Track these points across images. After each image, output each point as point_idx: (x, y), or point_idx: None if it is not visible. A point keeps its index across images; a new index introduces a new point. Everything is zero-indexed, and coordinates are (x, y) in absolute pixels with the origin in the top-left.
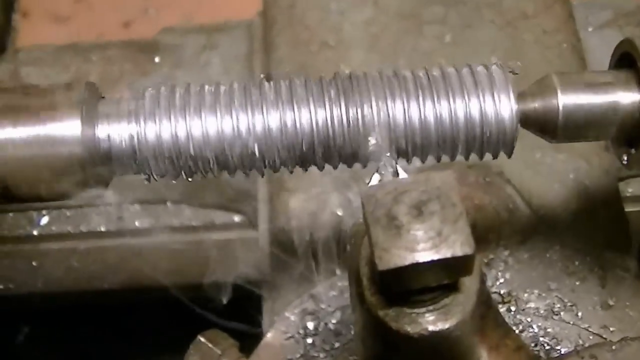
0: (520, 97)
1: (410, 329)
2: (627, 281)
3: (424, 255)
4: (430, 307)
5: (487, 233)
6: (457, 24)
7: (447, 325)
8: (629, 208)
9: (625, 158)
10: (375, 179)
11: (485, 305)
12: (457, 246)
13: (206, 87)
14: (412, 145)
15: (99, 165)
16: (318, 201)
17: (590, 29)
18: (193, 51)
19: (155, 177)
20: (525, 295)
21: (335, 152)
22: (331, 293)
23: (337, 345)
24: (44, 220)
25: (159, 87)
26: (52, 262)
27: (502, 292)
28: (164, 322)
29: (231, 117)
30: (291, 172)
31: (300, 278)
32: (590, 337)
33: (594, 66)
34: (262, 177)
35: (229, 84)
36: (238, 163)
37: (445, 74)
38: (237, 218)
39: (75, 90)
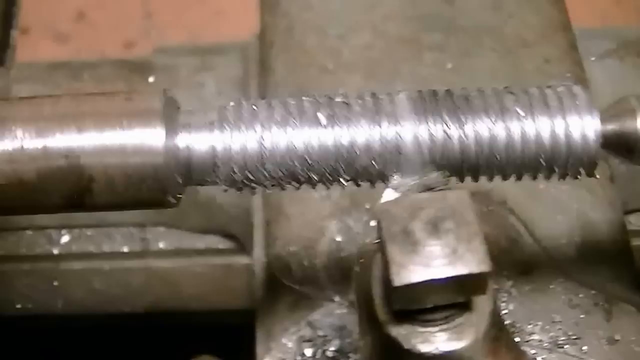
0: (600, 118)
1: (422, 348)
2: (634, 316)
3: (440, 271)
4: (444, 327)
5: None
6: (457, 51)
7: (459, 346)
8: (634, 242)
9: None
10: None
11: (498, 327)
12: (473, 264)
13: (289, 100)
14: (491, 164)
15: (178, 176)
16: (316, 227)
17: (592, 59)
18: (187, 72)
19: (236, 188)
20: (529, 327)
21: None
22: (329, 320)
23: None
24: (64, 239)
25: (240, 100)
26: (73, 282)
27: (505, 323)
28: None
29: (317, 130)
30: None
31: (297, 304)
32: None
33: (596, 96)
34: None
35: (312, 96)
36: (320, 177)
37: (528, 93)
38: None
39: (157, 98)
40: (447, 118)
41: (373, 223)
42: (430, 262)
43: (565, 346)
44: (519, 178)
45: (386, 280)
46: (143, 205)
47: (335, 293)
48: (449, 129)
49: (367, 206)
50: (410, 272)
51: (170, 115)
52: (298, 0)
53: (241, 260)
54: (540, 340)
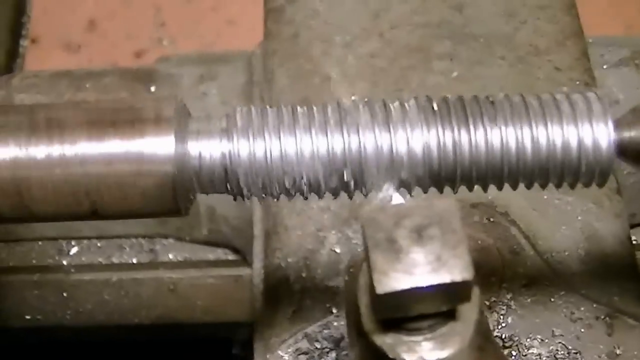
0: (615, 125)
1: (407, 357)
2: (636, 330)
3: (423, 279)
4: (428, 336)
5: (489, 275)
6: (466, 60)
7: (444, 355)
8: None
9: None
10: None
11: (484, 337)
12: (456, 272)
13: (299, 108)
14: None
15: (188, 184)
16: (316, 238)
17: (605, 67)
18: (190, 81)
19: (244, 196)
20: (528, 340)
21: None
22: (326, 332)
23: None
24: (74, 250)
25: (249, 107)
26: (82, 293)
27: (503, 336)
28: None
29: (326, 138)
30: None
31: (295, 316)
32: None
33: (610, 104)
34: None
35: (322, 105)
36: (330, 186)
37: (541, 99)
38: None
39: (167, 105)
40: (456, 125)
41: None
42: (414, 270)
43: None
44: (528, 186)
45: (370, 288)
46: (153, 214)
47: (334, 305)
48: (459, 135)
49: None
50: (393, 280)
51: (181, 123)
52: (304, 8)
53: (245, 272)
54: (539, 355)
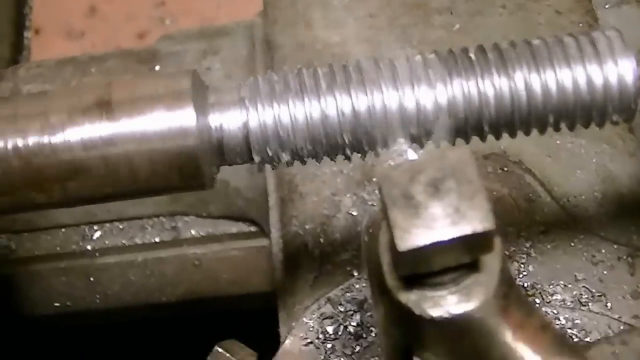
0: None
1: (433, 312)
2: None
3: (444, 233)
4: (453, 289)
5: (507, 225)
6: (466, 12)
7: (470, 307)
8: None
9: None
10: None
11: (508, 285)
12: (476, 222)
13: (305, 70)
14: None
15: (211, 155)
16: (332, 203)
17: (607, 6)
18: (193, 57)
19: (271, 164)
20: (550, 287)
21: None
22: (348, 295)
23: (357, 349)
24: (97, 234)
25: (265, 75)
26: (109, 276)
27: (525, 284)
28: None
29: (350, 98)
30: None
31: (317, 282)
32: (621, 327)
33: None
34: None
35: (329, 65)
36: (352, 145)
37: (562, 41)
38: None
39: (184, 79)
40: (479, 73)
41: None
42: (433, 224)
43: (589, 304)
44: (556, 129)
45: (392, 246)
46: (180, 188)
47: (354, 267)
48: (483, 83)
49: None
50: (414, 236)
51: (200, 95)
52: None
53: (264, 242)
54: (563, 300)
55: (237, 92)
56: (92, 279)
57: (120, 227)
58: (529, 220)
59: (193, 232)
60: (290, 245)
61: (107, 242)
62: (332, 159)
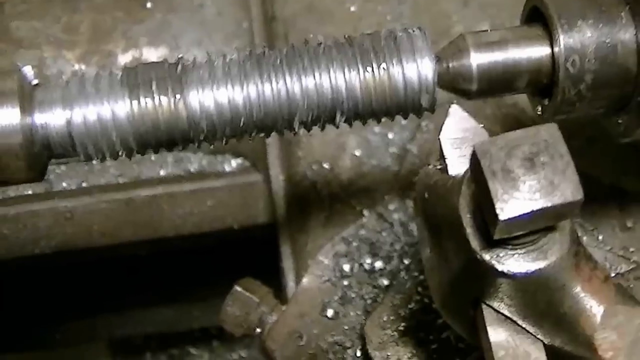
0: (437, 58)
1: (514, 269)
2: None
3: (541, 203)
4: (531, 247)
5: None
6: None
7: (548, 263)
8: None
9: (540, 109)
10: (450, 123)
11: (577, 243)
12: (568, 193)
13: (121, 70)
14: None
15: (38, 152)
16: (337, 144)
17: None
18: None
19: (92, 159)
20: None
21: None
22: (362, 233)
23: (375, 284)
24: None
25: (85, 73)
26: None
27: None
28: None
29: (167, 97)
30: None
31: (328, 221)
32: (615, 259)
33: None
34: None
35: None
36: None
37: (368, 39)
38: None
39: (10, 79)
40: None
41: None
42: (532, 196)
43: (584, 237)
44: (364, 122)
45: (485, 213)
46: (11, 181)
47: (364, 207)
48: (291, 82)
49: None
50: (514, 207)
51: (27, 94)
52: None
53: (256, 177)
54: None
55: (62, 90)
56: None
57: None
58: None
59: (64, 184)
60: (299, 185)
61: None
62: (155, 152)
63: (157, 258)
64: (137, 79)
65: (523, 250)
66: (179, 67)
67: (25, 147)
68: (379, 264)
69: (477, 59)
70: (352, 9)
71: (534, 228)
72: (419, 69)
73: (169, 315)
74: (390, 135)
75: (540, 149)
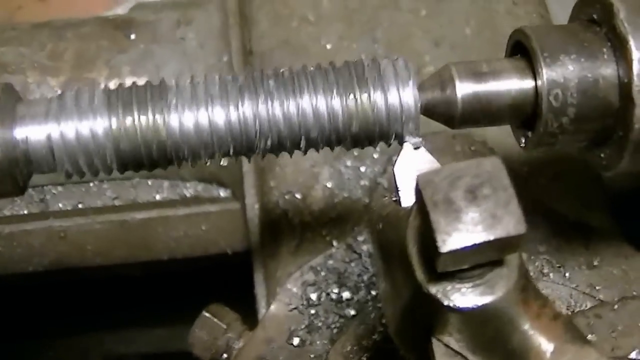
0: (421, 87)
1: (460, 303)
2: (609, 241)
3: (483, 236)
4: (478, 282)
5: None
6: None
7: (493, 298)
8: None
9: (523, 141)
10: (405, 156)
11: (525, 278)
12: (511, 226)
13: (110, 85)
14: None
15: (18, 166)
16: (309, 175)
17: None
18: (168, 26)
19: (72, 175)
20: None
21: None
22: (330, 263)
23: (342, 314)
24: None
25: (72, 88)
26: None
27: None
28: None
29: (147, 115)
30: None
31: (298, 249)
32: (581, 296)
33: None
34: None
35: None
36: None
37: (353, 66)
38: (221, 192)
39: None
40: (285, 98)
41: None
42: (473, 229)
43: (550, 274)
44: (347, 148)
45: (428, 245)
46: None
47: (333, 237)
48: (283, 107)
49: (356, 152)
50: (456, 239)
51: (9, 108)
52: None
53: (233, 205)
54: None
55: (45, 105)
56: None
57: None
58: None
59: (60, 205)
60: (272, 213)
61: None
62: (136, 171)
63: (151, 278)
64: (118, 97)
65: (470, 284)
66: (161, 87)
67: (4, 161)
68: (346, 294)
69: (462, 89)
70: (328, 46)
71: (477, 262)
72: (401, 97)
73: (162, 335)
74: (362, 168)
75: (483, 181)
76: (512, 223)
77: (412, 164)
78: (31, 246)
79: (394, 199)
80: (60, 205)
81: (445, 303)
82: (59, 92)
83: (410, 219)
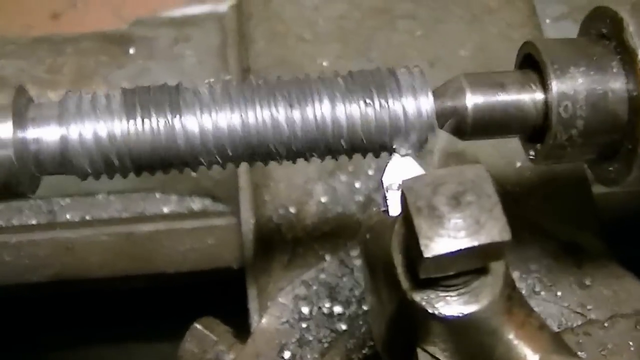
0: (435, 96)
1: (444, 311)
2: (601, 261)
3: (466, 242)
4: (462, 290)
5: None
6: (427, 19)
7: (478, 307)
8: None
9: (532, 153)
10: (393, 166)
11: (511, 287)
12: (495, 233)
13: (122, 92)
14: (350, 141)
15: (29, 167)
16: (304, 190)
17: (547, 21)
18: (166, 43)
19: (86, 176)
20: None
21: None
22: (322, 277)
23: (333, 328)
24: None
25: (82, 92)
26: None
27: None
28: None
29: (152, 119)
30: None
31: (290, 264)
32: (572, 315)
33: None
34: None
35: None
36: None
37: (371, 75)
38: (219, 205)
39: (6, 94)
40: (304, 104)
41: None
42: (457, 234)
43: (542, 292)
44: (364, 155)
45: (412, 251)
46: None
47: (326, 251)
48: (301, 114)
49: (350, 169)
50: (439, 244)
51: (21, 109)
52: None
53: (230, 221)
54: (519, 288)
55: (58, 107)
56: None
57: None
58: None
59: (68, 216)
60: (265, 228)
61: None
62: (151, 174)
63: (155, 292)
64: (134, 99)
65: (454, 293)
66: (178, 90)
67: (16, 161)
68: (337, 309)
69: (473, 100)
70: (324, 63)
71: (461, 269)
72: (418, 105)
73: (165, 350)
74: (357, 184)
75: (467, 188)
76: (496, 229)
77: (400, 174)
78: (37, 257)
79: (382, 209)
80: (68, 216)
81: (430, 311)
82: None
83: (395, 227)
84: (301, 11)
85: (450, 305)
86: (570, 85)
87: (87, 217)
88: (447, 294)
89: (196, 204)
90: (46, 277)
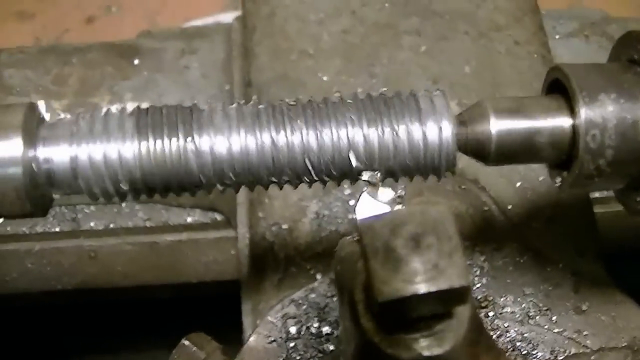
0: (457, 121)
1: (405, 355)
2: (599, 287)
3: (422, 287)
4: (425, 333)
5: (463, 240)
6: (432, 35)
7: (440, 351)
8: (596, 209)
9: (559, 180)
10: (367, 195)
11: (477, 332)
12: (454, 278)
13: (133, 112)
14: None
15: (40, 188)
16: (298, 207)
17: (557, 37)
18: (172, 55)
19: (96, 197)
20: (502, 299)
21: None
22: (312, 297)
23: (320, 349)
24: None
25: (95, 111)
26: (7, 263)
27: (479, 297)
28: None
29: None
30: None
31: (282, 283)
32: (566, 342)
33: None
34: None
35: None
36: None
37: (391, 100)
38: (217, 217)
39: (17, 113)
40: (321, 128)
41: (354, 205)
42: (413, 279)
43: (536, 317)
44: (382, 180)
45: (370, 293)
46: (12, 215)
47: (317, 271)
48: (317, 138)
49: (346, 185)
50: (393, 289)
51: (31, 129)
52: None
53: (229, 234)
54: (513, 312)
55: (69, 127)
56: None
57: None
58: (484, 236)
59: (92, 224)
60: (259, 246)
61: (8, 228)
62: (163, 197)
63: (177, 303)
64: (147, 119)
65: (417, 335)
66: (192, 111)
67: (26, 180)
68: (326, 329)
69: (497, 126)
70: (325, 78)
71: (421, 313)
72: (440, 131)
73: None
74: (352, 203)
75: (427, 230)
76: (455, 275)
77: (375, 203)
78: (61, 264)
79: (355, 238)
80: (92, 224)
81: (389, 352)
82: (62, 116)
83: (358, 265)
84: (305, 26)
85: (411, 348)
86: (599, 113)
87: (111, 226)
88: (409, 336)
89: (220, 214)
90: (70, 285)
